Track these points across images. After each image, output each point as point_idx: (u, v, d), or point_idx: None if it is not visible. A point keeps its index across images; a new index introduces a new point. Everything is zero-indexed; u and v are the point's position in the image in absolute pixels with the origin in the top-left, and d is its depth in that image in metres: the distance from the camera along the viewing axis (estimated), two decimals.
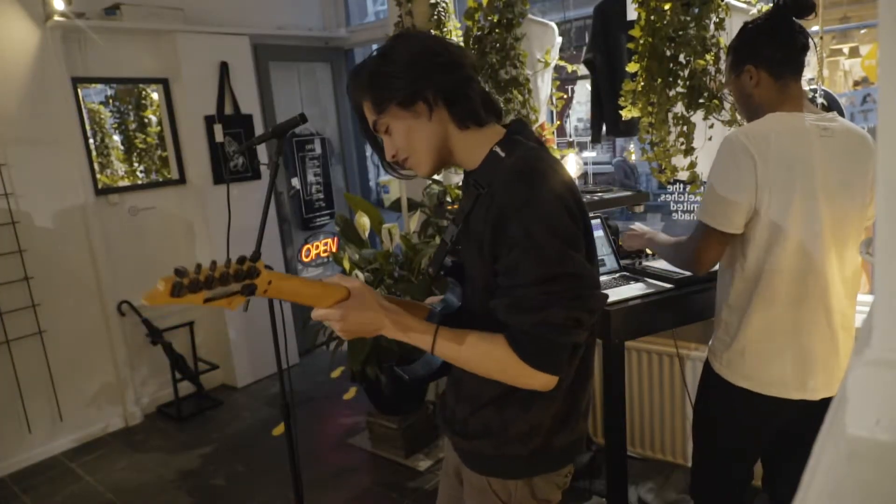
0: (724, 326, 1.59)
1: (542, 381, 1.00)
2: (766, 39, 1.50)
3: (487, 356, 1.02)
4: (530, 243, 0.97)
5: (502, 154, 1.08)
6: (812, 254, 1.44)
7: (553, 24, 3.02)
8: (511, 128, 1.14)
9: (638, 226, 2.05)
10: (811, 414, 1.52)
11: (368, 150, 5.32)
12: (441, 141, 1.10)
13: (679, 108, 2.20)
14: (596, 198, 2.48)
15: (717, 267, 1.62)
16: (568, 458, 1.19)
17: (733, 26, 2.04)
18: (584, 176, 3.02)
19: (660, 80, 2.18)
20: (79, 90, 3.34)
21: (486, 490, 1.16)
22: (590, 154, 3.14)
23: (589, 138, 3.11)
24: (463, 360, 1.05)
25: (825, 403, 1.48)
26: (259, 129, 3.98)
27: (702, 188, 2.21)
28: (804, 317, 1.47)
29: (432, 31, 3.16)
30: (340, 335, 1.05)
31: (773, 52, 1.48)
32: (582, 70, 3.01)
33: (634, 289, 1.95)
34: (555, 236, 0.98)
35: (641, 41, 2.18)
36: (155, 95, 3.74)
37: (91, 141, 3.44)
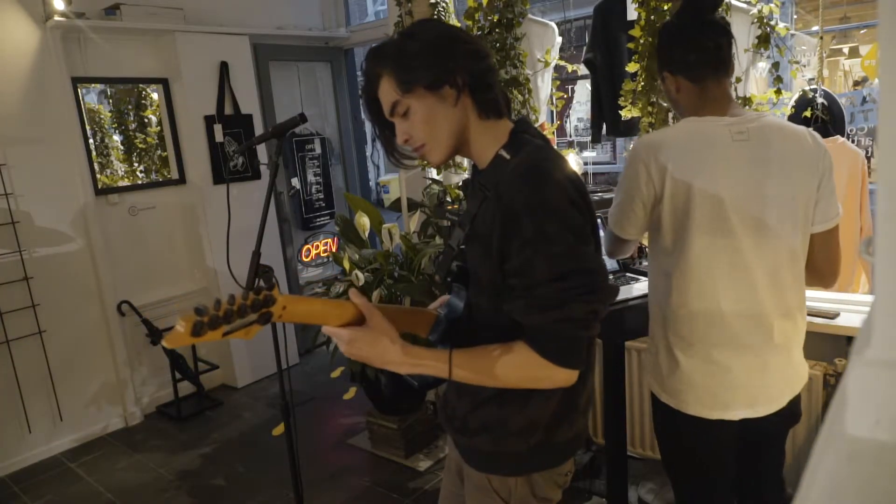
0: (651, 337, 1.54)
1: (565, 376, 1.00)
2: (676, 43, 1.41)
3: (507, 366, 1.01)
4: (542, 242, 0.97)
5: (507, 156, 1.07)
6: (723, 262, 1.35)
7: (553, 24, 3.02)
8: (515, 126, 1.13)
9: None
10: (750, 431, 1.45)
11: (369, 150, 5.32)
12: (461, 128, 1.09)
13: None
14: (596, 198, 2.48)
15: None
16: (567, 454, 1.19)
17: (733, 26, 2.03)
18: (584, 176, 3.02)
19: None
20: (79, 90, 3.34)
21: (487, 487, 1.17)
22: (590, 154, 3.14)
23: (589, 138, 3.11)
24: (483, 379, 1.03)
25: (759, 423, 1.41)
26: (259, 129, 3.98)
27: None
28: (717, 333, 1.38)
29: None
30: (345, 355, 1.04)
31: (685, 55, 1.39)
32: (582, 70, 3.01)
33: (634, 289, 1.95)
34: (565, 233, 0.98)
35: (641, 41, 2.19)
36: (155, 95, 3.74)
37: (91, 141, 3.44)
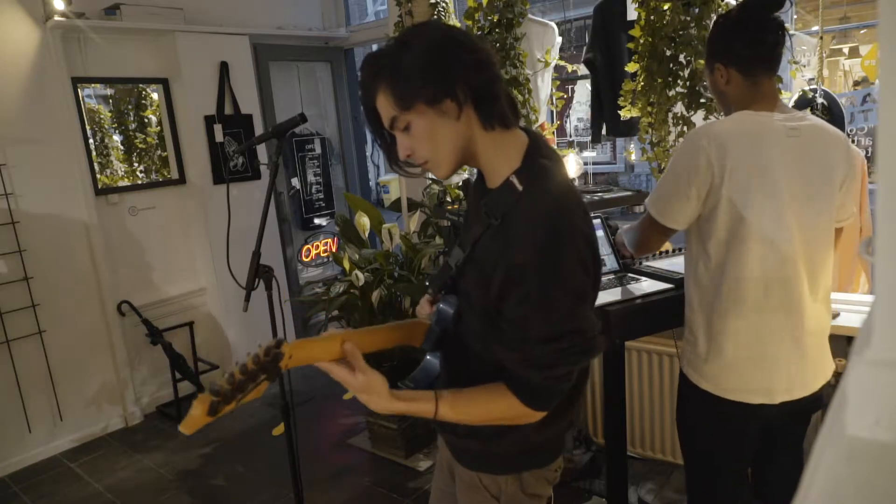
0: (689, 327, 1.56)
1: (538, 417, 1.04)
2: (734, 36, 1.44)
3: (490, 410, 1.04)
4: (544, 303, 0.97)
5: (519, 187, 1.02)
6: (777, 256, 1.40)
7: (553, 24, 3.02)
8: (529, 146, 1.07)
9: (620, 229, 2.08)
10: (783, 417, 1.51)
11: (369, 150, 5.32)
12: (465, 142, 1.04)
13: (679, 108, 2.20)
14: (596, 198, 2.48)
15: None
16: (556, 452, 1.21)
17: None
18: (584, 176, 3.02)
19: (660, 80, 2.18)
20: (79, 90, 3.34)
21: (477, 485, 1.18)
22: (590, 154, 3.14)
23: (589, 138, 3.11)
24: (467, 420, 1.06)
25: (794, 408, 1.46)
26: (259, 129, 3.98)
27: None
28: (767, 321, 1.43)
29: None
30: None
31: (742, 49, 1.43)
32: (582, 70, 3.01)
33: (634, 289, 1.95)
34: (569, 296, 0.98)
35: (641, 41, 2.19)
36: (155, 95, 3.74)
37: (91, 141, 3.44)
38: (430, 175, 3.36)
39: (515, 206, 1.01)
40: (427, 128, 1.01)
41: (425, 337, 1.17)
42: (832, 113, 2.49)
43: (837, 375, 2.01)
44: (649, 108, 2.23)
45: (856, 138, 2.68)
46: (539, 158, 1.05)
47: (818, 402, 1.55)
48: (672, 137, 2.22)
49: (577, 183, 3.04)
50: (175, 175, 3.79)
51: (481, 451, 1.16)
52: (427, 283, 1.24)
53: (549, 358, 0.98)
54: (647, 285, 1.96)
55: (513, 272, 0.99)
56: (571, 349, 0.98)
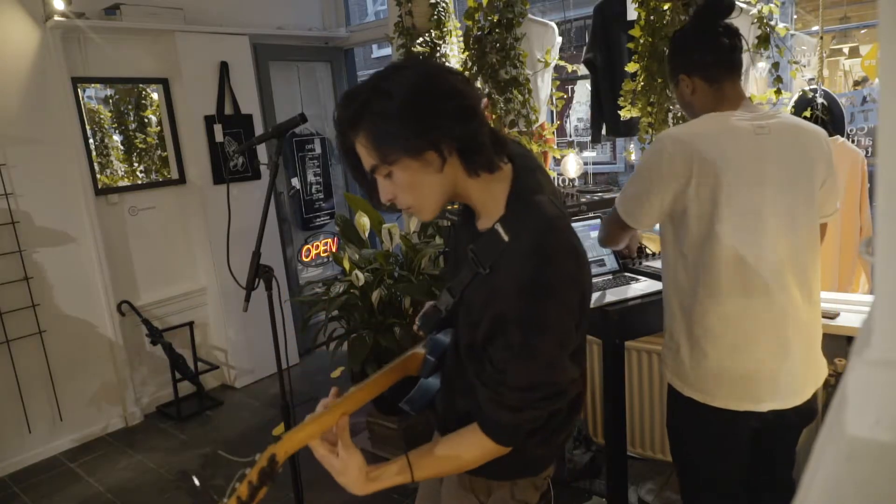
0: (669, 333, 1.55)
1: (507, 450, 1.06)
2: (693, 46, 1.49)
3: (462, 456, 1.06)
4: (524, 352, 0.98)
5: (505, 238, 0.99)
6: (754, 255, 1.38)
7: (553, 24, 3.02)
8: (513, 184, 1.03)
9: None
10: (772, 426, 1.47)
11: None
12: (451, 187, 1.02)
13: (679, 108, 2.20)
14: (596, 198, 2.48)
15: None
16: (549, 461, 1.21)
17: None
18: (584, 176, 3.02)
19: (660, 80, 2.18)
20: (79, 90, 3.34)
21: (466, 487, 1.19)
22: (590, 154, 3.15)
23: (589, 138, 3.11)
24: (445, 472, 1.10)
25: (786, 416, 1.43)
26: (259, 129, 3.98)
27: None
28: (748, 326, 1.40)
29: (432, 31, 3.16)
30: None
31: (702, 56, 1.46)
32: (582, 70, 3.01)
33: (634, 289, 1.95)
34: (550, 344, 0.99)
35: (641, 41, 2.19)
36: (155, 95, 3.74)
37: (91, 141, 3.44)
38: None
39: (501, 256, 0.99)
40: (409, 179, 0.98)
41: (422, 366, 1.20)
42: (832, 113, 2.49)
43: (836, 376, 2.01)
44: (649, 108, 2.24)
45: (856, 138, 2.68)
46: (524, 197, 1.02)
47: (811, 414, 1.51)
48: None
49: (576, 183, 3.04)
50: (175, 175, 3.79)
51: None
52: (418, 325, 1.26)
53: (519, 402, 1.01)
54: (646, 285, 1.97)
55: (498, 321, 0.99)
56: (543, 397, 1.02)
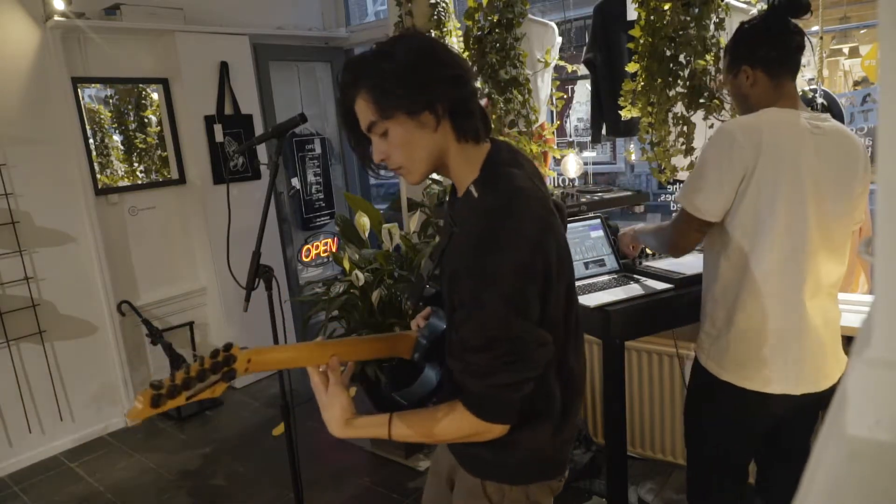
0: (710, 319, 1.59)
1: (499, 430, 1.04)
2: (761, 39, 1.51)
3: (445, 426, 1.04)
4: (475, 306, 0.98)
5: (476, 194, 1.05)
6: (797, 249, 1.44)
7: (553, 24, 3.02)
8: (489, 155, 1.10)
9: (624, 229, 2.09)
10: (798, 412, 1.55)
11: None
12: (439, 152, 1.08)
13: (679, 108, 2.20)
14: (596, 198, 2.48)
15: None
16: (564, 465, 1.21)
17: (733, 26, 2.03)
18: (584, 176, 3.02)
19: (660, 80, 2.18)
20: (79, 90, 3.34)
21: (479, 493, 1.17)
22: (590, 154, 3.14)
23: (589, 138, 3.11)
24: (422, 438, 1.08)
25: (811, 401, 1.50)
26: (259, 129, 3.98)
27: None
28: (789, 312, 1.47)
29: (432, 31, 3.16)
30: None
31: (769, 51, 1.49)
32: (582, 70, 3.01)
33: (634, 289, 1.95)
34: (501, 301, 0.97)
35: (641, 41, 2.19)
36: (155, 95, 3.74)
37: (91, 141, 3.44)
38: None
39: (469, 213, 1.04)
40: (404, 136, 1.04)
41: (414, 349, 1.19)
42: (832, 113, 2.49)
43: None
44: (649, 108, 2.23)
45: None
46: (497, 166, 1.08)
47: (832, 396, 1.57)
48: (672, 137, 2.22)
49: (576, 183, 3.03)
50: (175, 175, 3.79)
51: (492, 460, 1.15)
52: (406, 297, 1.27)
53: (487, 366, 0.98)
54: (646, 285, 1.96)
55: (453, 277, 1.02)
56: (507, 357, 0.98)
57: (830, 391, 1.53)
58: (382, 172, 1.17)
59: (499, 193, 1.03)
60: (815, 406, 1.57)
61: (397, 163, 1.07)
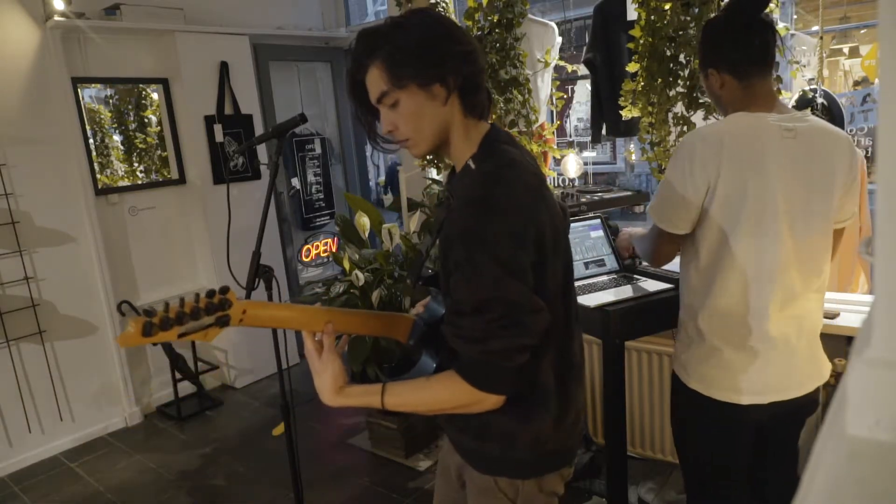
0: (683, 328, 1.56)
1: (493, 401, 1.02)
2: (722, 41, 1.44)
3: (438, 394, 1.03)
4: (468, 268, 0.98)
5: (473, 166, 1.08)
6: (767, 256, 1.40)
7: (553, 24, 3.02)
8: (488, 133, 1.12)
9: (623, 231, 2.09)
10: (774, 419, 1.50)
11: (369, 151, 5.31)
12: (446, 126, 1.09)
13: (679, 108, 2.20)
14: (596, 198, 2.48)
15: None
16: (573, 452, 1.22)
17: None
18: (584, 176, 3.02)
19: (660, 80, 2.18)
20: (79, 90, 3.34)
21: (493, 489, 1.16)
22: (590, 154, 3.15)
23: (589, 138, 3.11)
24: (414, 406, 1.08)
25: (788, 409, 1.47)
26: (259, 129, 3.98)
27: None
28: (754, 325, 1.43)
29: None
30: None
31: (731, 53, 1.42)
32: (582, 70, 3.01)
33: (635, 289, 1.95)
34: (494, 263, 0.97)
35: (641, 41, 2.19)
36: (155, 95, 3.74)
37: (91, 141, 3.44)
38: (427, 171, 3.35)
39: (464, 184, 1.06)
40: (415, 107, 1.06)
41: (410, 333, 1.18)
42: (832, 113, 2.49)
43: (836, 376, 2.01)
44: (649, 108, 2.24)
45: (856, 138, 2.69)
46: (495, 143, 1.10)
47: (813, 405, 1.54)
48: (672, 137, 2.22)
49: (576, 183, 3.04)
50: (175, 175, 3.79)
51: (500, 456, 1.14)
52: (406, 274, 1.27)
53: (481, 331, 0.97)
54: (646, 285, 1.97)
55: (447, 240, 1.02)
56: (502, 321, 0.96)
57: (807, 398, 1.50)
58: (386, 146, 1.18)
59: (492, 165, 1.06)
60: (793, 413, 1.53)
61: (405, 134, 1.09)
